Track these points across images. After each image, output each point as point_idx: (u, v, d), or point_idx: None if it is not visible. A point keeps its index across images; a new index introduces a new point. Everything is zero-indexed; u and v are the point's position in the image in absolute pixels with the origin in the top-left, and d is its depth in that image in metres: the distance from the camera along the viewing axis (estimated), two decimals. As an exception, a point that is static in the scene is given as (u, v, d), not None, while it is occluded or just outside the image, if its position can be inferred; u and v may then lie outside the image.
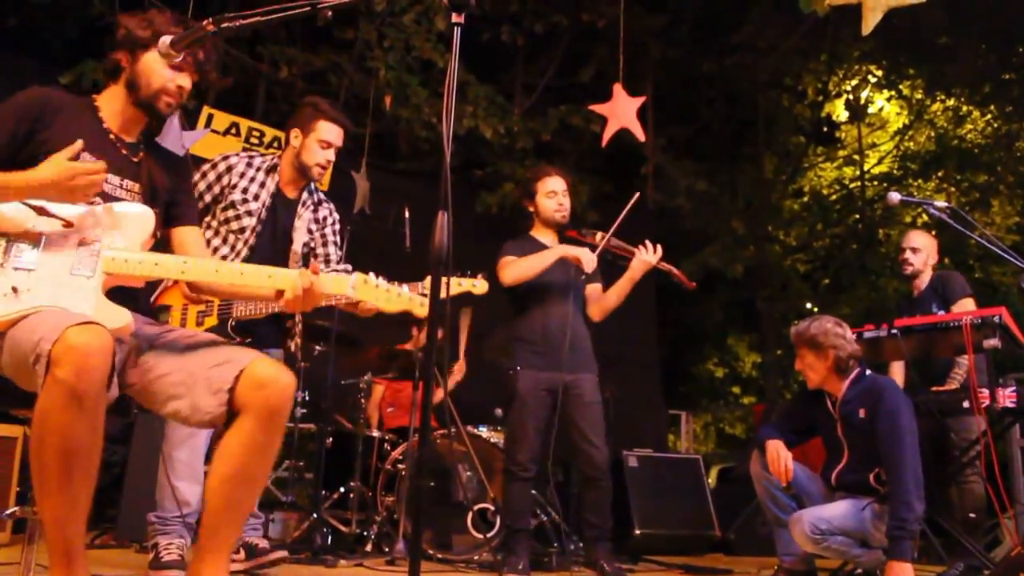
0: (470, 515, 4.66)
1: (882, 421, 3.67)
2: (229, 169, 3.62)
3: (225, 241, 3.57)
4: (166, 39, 2.38)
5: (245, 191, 3.61)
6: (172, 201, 2.67)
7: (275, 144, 7.10)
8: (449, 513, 4.76)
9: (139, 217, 2.44)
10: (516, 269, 4.31)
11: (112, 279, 2.32)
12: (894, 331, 4.15)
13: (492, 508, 4.69)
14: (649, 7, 8.68)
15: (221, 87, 2.37)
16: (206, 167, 3.64)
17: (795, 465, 3.88)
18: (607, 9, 8.46)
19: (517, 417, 4.30)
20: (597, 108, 5.78)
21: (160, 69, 2.48)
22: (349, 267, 3.74)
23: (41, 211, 2.28)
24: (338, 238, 3.84)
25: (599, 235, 4.36)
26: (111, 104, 2.56)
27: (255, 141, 7.05)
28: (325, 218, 3.80)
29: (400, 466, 4.87)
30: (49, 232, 2.28)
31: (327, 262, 3.75)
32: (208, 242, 3.55)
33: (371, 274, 2.50)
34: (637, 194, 4.41)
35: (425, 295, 2.53)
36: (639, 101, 5.65)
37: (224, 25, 2.28)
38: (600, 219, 7.35)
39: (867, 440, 3.74)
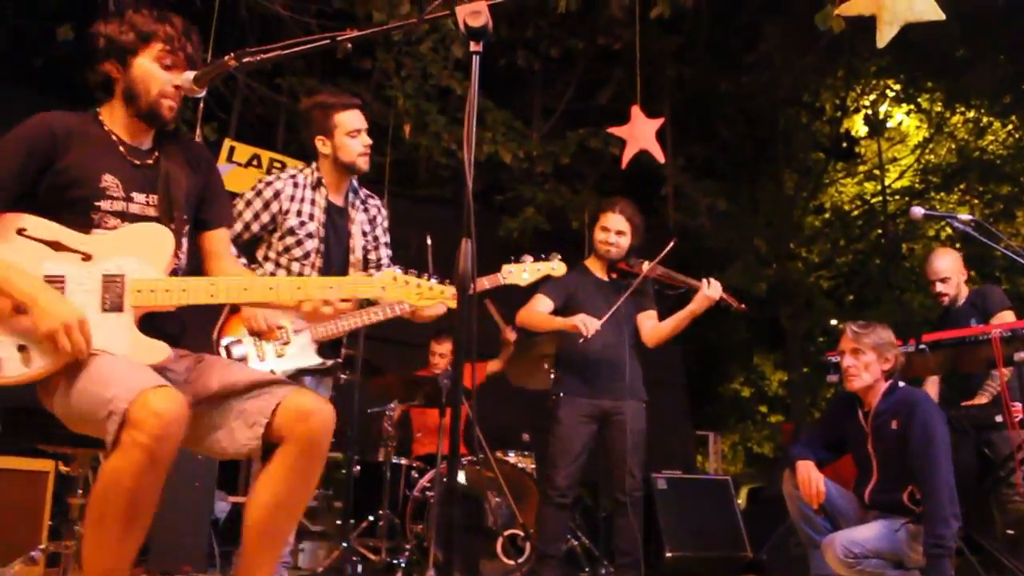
0: (500, 541, 4.64)
1: (915, 432, 3.61)
2: (276, 195, 3.48)
3: (289, 271, 3.45)
4: (189, 75, 2.38)
5: (300, 213, 3.47)
6: (201, 200, 2.60)
7: (297, 174, 7.13)
8: (477, 540, 4.74)
9: (158, 238, 2.37)
10: (527, 319, 4.44)
11: (142, 310, 2.30)
12: (923, 346, 4.11)
13: (522, 534, 4.67)
14: (665, 28, 8.69)
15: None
16: (249, 194, 3.51)
17: (828, 484, 3.82)
18: (623, 32, 8.49)
19: (558, 443, 4.31)
20: (615, 131, 5.78)
21: (156, 73, 2.40)
22: (399, 268, 3.65)
23: (57, 246, 2.26)
24: (387, 236, 3.74)
25: (645, 264, 4.37)
26: (113, 116, 2.47)
27: (276, 172, 7.09)
28: (375, 217, 3.71)
29: (428, 493, 4.85)
30: (71, 271, 2.26)
31: (379, 267, 3.64)
32: (271, 276, 3.43)
33: (397, 268, 2.48)
34: (674, 239, 4.44)
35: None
36: (657, 123, 5.65)
37: (246, 60, 2.29)
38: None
39: (899, 454, 3.68)
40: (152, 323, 2.34)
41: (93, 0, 5.90)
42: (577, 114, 9.84)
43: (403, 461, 5.39)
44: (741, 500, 7.60)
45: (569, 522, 4.92)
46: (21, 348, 2.17)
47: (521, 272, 3.37)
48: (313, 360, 3.35)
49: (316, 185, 3.55)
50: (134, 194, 2.40)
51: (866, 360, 3.81)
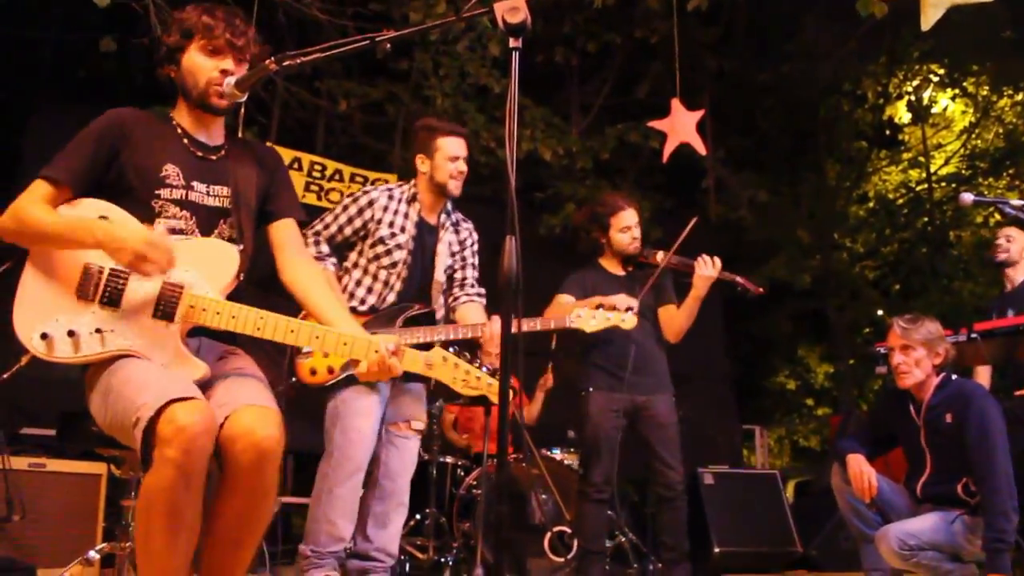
0: (547, 538, 4.63)
1: (971, 426, 3.53)
2: (371, 204, 3.66)
3: (376, 278, 3.62)
4: (231, 80, 2.43)
5: (391, 224, 3.65)
6: (266, 195, 2.64)
7: (336, 176, 7.19)
8: (524, 537, 4.74)
9: (224, 258, 2.41)
10: (558, 315, 4.36)
11: (190, 324, 2.34)
12: (974, 335, 4.03)
13: (569, 531, 4.66)
14: (702, 20, 8.62)
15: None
16: (347, 200, 3.70)
17: (879, 478, 3.77)
18: (660, 25, 8.45)
19: (590, 439, 4.32)
20: (656, 124, 5.74)
21: (201, 62, 2.46)
22: (483, 291, 3.81)
23: None
24: (476, 259, 3.88)
25: (660, 254, 4.37)
26: (182, 114, 2.55)
27: (317, 175, 7.15)
28: (465, 239, 3.86)
29: (475, 491, 4.86)
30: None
31: (462, 286, 3.80)
32: (359, 282, 3.63)
33: (451, 350, 2.47)
34: (695, 218, 4.37)
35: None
36: (698, 115, 5.59)
37: (286, 63, 2.31)
38: (663, 235, 7.32)
39: (953, 447, 3.61)
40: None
41: (134, 12, 5.98)
42: (615, 109, 9.81)
43: (449, 460, 5.40)
44: (788, 494, 7.52)
45: (611, 517, 4.91)
46: (71, 333, 2.23)
47: (590, 318, 3.56)
48: None
49: (411, 200, 3.72)
50: (195, 183, 2.47)
51: (916, 356, 3.74)
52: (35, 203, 2.30)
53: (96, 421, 2.29)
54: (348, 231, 3.67)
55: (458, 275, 3.81)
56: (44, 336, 2.22)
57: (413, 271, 3.65)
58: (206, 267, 2.37)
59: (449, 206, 3.82)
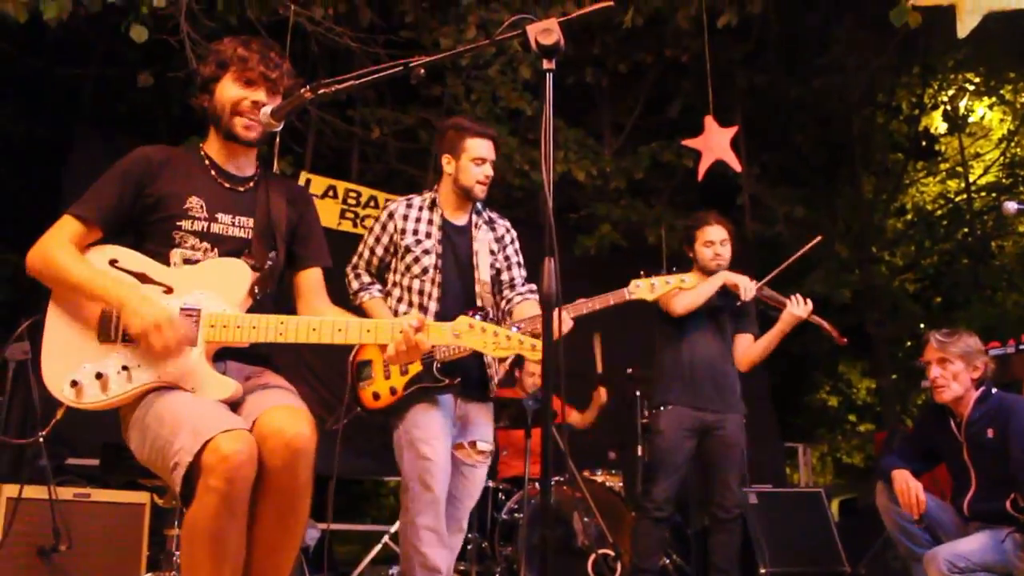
0: (591, 561, 4.59)
1: (1014, 441, 3.47)
2: (391, 216, 3.57)
3: (411, 289, 3.50)
4: (267, 109, 2.45)
5: (416, 232, 3.55)
6: (295, 237, 2.64)
7: (371, 203, 7.23)
8: (568, 561, 4.70)
9: (235, 274, 2.42)
10: (685, 298, 4.25)
11: (215, 344, 2.35)
12: (1023, 347, 3.97)
13: (612, 554, 4.62)
14: (732, 36, 8.60)
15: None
16: (371, 224, 3.65)
17: (926, 495, 3.70)
18: (690, 43, 8.44)
19: (659, 454, 4.29)
20: (690, 143, 5.75)
21: (232, 92, 2.48)
22: (534, 287, 3.64)
23: (144, 278, 2.34)
24: (520, 256, 3.74)
25: (752, 284, 4.32)
26: (212, 145, 2.57)
27: (352, 202, 7.19)
28: (503, 236, 3.72)
29: (517, 515, 4.83)
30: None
31: (512, 287, 3.66)
32: (399, 299, 3.51)
33: (476, 316, 2.44)
34: (820, 237, 4.39)
35: (536, 336, 2.33)
36: (731, 132, 5.59)
37: (321, 91, 2.33)
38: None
39: (998, 463, 3.54)
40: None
41: (171, 48, 6.09)
42: (648, 128, 9.81)
43: (490, 483, 5.37)
44: (833, 512, 7.40)
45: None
46: (98, 376, 2.25)
47: (648, 287, 3.36)
48: (434, 379, 3.35)
49: (432, 205, 3.62)
50: (219, 214, 2.48)
51: (954, 370, 3.69)
52: (63, 245, 2.33)
53: (133, 452, 2.31)
54: (380, 251, 3.59)
55: (505, 276, 3.67)
56: (74, 384, 2.24)
57: (448, 275, 3.52)
58: (218, 286, 2.38)
59: (479, 205, 3.70)
